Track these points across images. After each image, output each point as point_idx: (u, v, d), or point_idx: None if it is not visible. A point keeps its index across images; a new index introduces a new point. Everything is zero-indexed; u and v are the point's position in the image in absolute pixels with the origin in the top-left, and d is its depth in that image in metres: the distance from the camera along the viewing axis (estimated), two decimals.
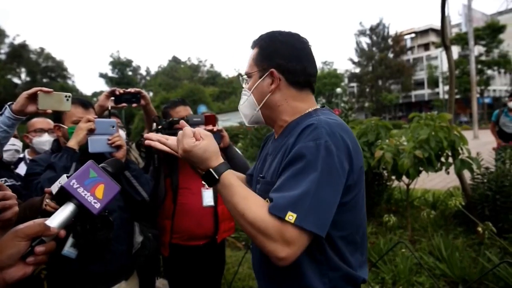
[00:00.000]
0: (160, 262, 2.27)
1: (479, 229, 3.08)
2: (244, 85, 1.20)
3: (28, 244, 0.68)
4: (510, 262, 2.44)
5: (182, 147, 0.98)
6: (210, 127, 2.04)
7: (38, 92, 1.48)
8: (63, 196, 0.78)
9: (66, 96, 1.60)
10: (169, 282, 2.15)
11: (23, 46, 41.08)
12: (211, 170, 0.97)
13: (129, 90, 2.04)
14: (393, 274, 2.90)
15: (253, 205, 0.93)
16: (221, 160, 1.00)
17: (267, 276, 1.10)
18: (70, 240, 1.25)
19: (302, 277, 1.02)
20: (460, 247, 3.14)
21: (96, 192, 0.79)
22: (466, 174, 3.65)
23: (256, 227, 0.90)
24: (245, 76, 1.18)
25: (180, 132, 1.01)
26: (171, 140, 1.07)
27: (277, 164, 1.07)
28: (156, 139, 1.09)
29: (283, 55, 1.09)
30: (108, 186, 0.81)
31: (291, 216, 0.86)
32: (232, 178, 0.98)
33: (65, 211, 0.76)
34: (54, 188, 1.24)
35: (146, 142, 1.12)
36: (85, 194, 0.77)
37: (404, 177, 3.47)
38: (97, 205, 0.78)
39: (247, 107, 1.18)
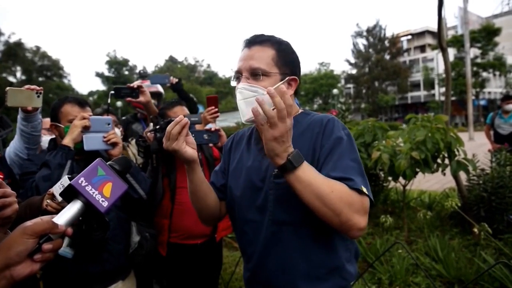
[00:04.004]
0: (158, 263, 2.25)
1: (475, 230, 3.10)
2: (252, 81, 1.10)
3: (36, 242, 0.67)
4: (505, 263, 2.45)
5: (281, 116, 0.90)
6: (213, 108, 2.10)
7: (7, 88, 1.44)
8: (71, 194, 0.77)
9: (37, 93, 1.54)
10: (167, 281, 2.14)
11: (19, 45, 40.58)
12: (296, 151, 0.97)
13: (129, 84, 2.08)
14: (389, 275, 2.91)
15: (335, 183, 0.99)
16: None
17: (305, 262, 1.11)
18: (66, 240, 1.24)
19: (335, 254, 1.12)
20: (456, 248, 3.16)
21: (104, 191, 0.78)
22: (462, 175, 3.67)
23: (345, 201, 0.97)
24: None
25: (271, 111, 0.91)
26: None
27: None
28: None
29: (298, 67, 1.20)
30: (116, 184, 0.81)
31: (365, 189, 0.99)
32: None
33: (72, 209, 0.75)
34: (55, 189, 1.23)
35: None
36: (93, 192, 0.77)
37: (400, 178, 3.48)
38: (105, 204, 0.77)
39: (254, 104, 1.03)
